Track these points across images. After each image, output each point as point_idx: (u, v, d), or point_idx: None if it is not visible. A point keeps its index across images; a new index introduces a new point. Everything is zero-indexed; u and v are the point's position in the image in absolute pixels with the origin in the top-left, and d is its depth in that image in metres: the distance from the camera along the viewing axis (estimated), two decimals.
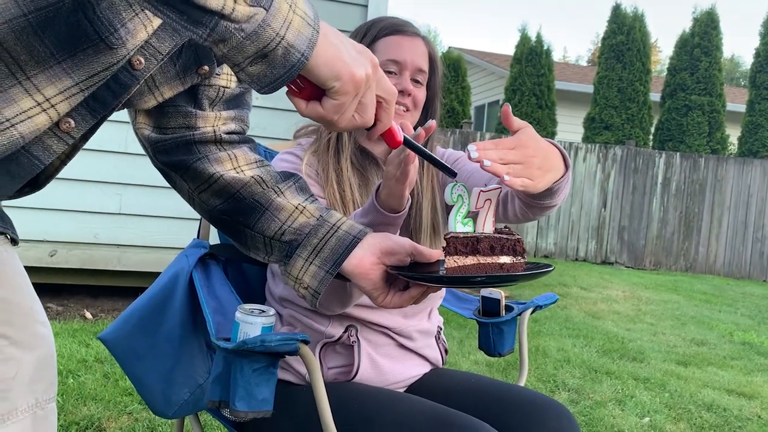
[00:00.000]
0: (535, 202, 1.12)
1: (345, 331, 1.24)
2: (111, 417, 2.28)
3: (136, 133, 1.01)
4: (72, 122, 0.71)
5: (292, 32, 0.66)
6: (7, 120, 0.64)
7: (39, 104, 0.66)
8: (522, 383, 1.45)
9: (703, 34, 10.72)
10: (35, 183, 0.79)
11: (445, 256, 0.92)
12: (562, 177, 1.04)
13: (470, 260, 0.94)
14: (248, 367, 0.93)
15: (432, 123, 1.01)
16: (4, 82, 0.64)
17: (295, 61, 0.67)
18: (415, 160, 1.02)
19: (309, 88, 0.73)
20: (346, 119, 0.74)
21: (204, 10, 0.61)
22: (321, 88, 0.72)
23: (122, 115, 0.97)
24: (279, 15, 0.65)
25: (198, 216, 1.18)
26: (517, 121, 0.97)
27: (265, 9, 0.63)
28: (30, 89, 0.65)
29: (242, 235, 1.05)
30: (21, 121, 0.65)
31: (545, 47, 11.13)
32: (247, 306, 0.99)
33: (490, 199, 0.97)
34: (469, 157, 0.89)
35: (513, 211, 1.22)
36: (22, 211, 3.18)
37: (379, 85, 0.77)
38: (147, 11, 0.69)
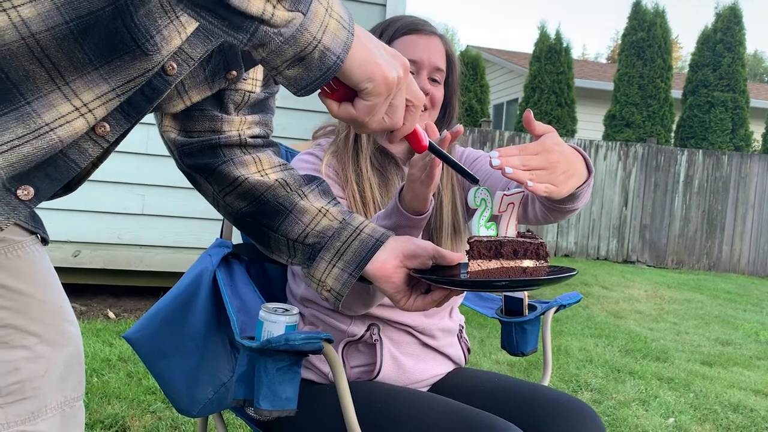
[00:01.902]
0: (557, 206, 1.11)
1: (367, 330, 1.24)
2: (135, 415, 2.31)
3: (162, 136, 1.02)
4: (107, 126, 0.72)
5: (328, 36, 0.67)
6: (47, 124, 0.66)
7: (77, 109, 0.67)
8: (546, 383, 1.44)
9: (726, 30, 10.56)
10: (68, 185, 0.81)
11: (469, 259, 0.93)
12: (585, 182, 1.03)
13: (494, 264, 0.94)
14: (272, 365, 0.94)
15: (459, 128, 1.00)
16: (44, 87, 0.65)
17: (331, 63, 0.68)
18: (441, 163, 1.02)
19: (341, 90, 0.74)
20: (377, 121, 0.75)
21: (245, 16, 0.62)
22: (353, 89, 0.73)
23: (145, 117, 0.99)
24: (316, 19, 0.66)
25: (220, 216, 1.19)
26: (540, 126, 0.97)
27: (302, 13, 0.65)
28: (68, 94, 0.66)
29: (266, 237, 1.06)
30: (60, 126, 0.67)
31: (564, 44, 11.04)
32: (271, 305, 1.00)
33: (513, 203, 0.97)
34: (491, 165, 0.88)
35: (533, 213, 1.21)
36: (47, 212, 3.22)
37: (408, 88, 0.78)
38: (182, 18, 0.70)
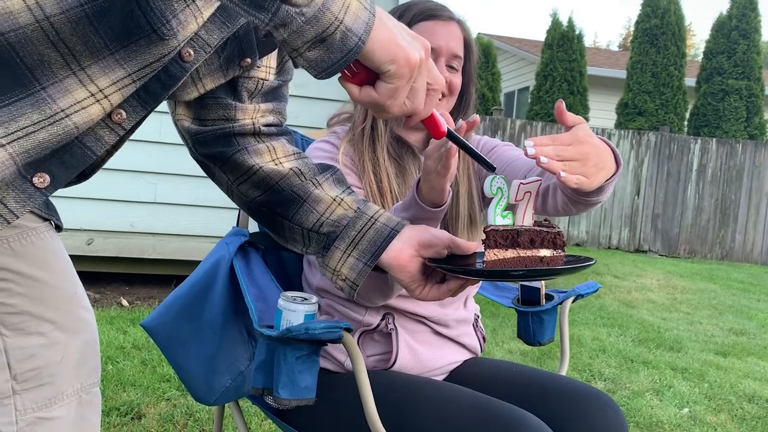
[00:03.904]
0: (582, 199, 1.10)
1: (382, 319, 1.23)
2: (150, 403, 2.32)
3: (176, 125, 1.01)
4: (123, 113, 0.72)
5: (350, 16, 0.66)
6: (62, 110, 0.65)
7: (93, 95, 0.67)
8: (563, 372, 1.43)
9: (741, 17, 10.42)
10: (82, 174, 0.80)
11: (485, 249, 0.91)
12: (613, 175, 1.02)
13: (510, 253, 0.92)
14: (291, 354, 0.93)
15: (475, 117, 0.99)
16: (60, 72, 0.64)
17: (353, 45, 0.66)
18: (456, 153, 1.00)
19: (362, 73, 0.72)
20: (398, 104, 0.73)
21: None
22: (374, 72, 0.71)
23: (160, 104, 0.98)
24: None
25: (234, 205, 1.19)
26: (571, 117, 0.95)
27: None
28: (84, 80, 0.66)
29: (280, 226, 1.05)
30: (75, 112, 0.66)
31: (577, 32, 10.94)
32: (290, 293, 0.99)
33: (529, 192, 0.95)
34: (526, 154, 0.86)
35: (554, 204, 1.19)
36: (60, 200, 3.23)
37: (429, 72, 0.77)
38: (198, 2, 0.70)
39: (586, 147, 0.92)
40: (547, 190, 1.19)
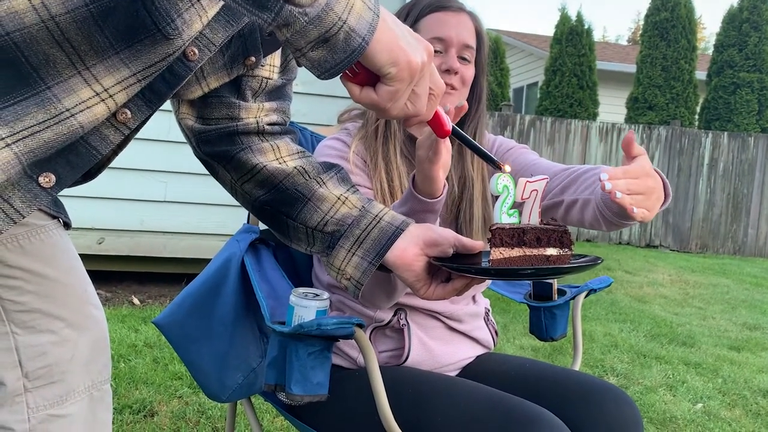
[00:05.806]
0: (621, 222, 1.09)
1: (394, 315, 1.23)
2: (162, 400, 2.33)
3: (179, 123, 1.01)
4: (129, 113, 0.72)
5: (353, 16, 0.65)
6: (67, 110, 0.65)
7: (98, 94, 0.67)
8: (576, 368, 1.42)
9: (753, 9, 10.32)
10: (88, 173, 0.80)
11: (491, 247, 0.91)
12: (662, 204, 1.01)
13: (516, 252, 0.92)
14: (303, 350, 0.93)
15: (464, 104, 0.98)
16: (65, 71, 0.64)
17: (356, 45, 0.66)
18: (447, 140, 0.99)
19: (363, 74, 0.71)
20: (399, 107, 0.73)
21: None
22: (376, 73, 0.70)
23: (165, 103, 0.98)
24: None
25: None
26: (636, 148, 0.96)
27: None
28: (89, 79, 0.66)
29: (284, 225, 1.05)
30: (80, 111, 0.66)
31: (586, 26, 10.87)
32: (301, 290, 0.99)
33: (536, 190, 0.94)
34: (603, 189, 0.87)
35: (580, 218, 1.17)
36: (71, 200, 3.25)
37: (431, 76, 0.76)
38: (203, 1, 0.69)
39: (650, 181, 0.93)
40: (574, 203, 1.18)
